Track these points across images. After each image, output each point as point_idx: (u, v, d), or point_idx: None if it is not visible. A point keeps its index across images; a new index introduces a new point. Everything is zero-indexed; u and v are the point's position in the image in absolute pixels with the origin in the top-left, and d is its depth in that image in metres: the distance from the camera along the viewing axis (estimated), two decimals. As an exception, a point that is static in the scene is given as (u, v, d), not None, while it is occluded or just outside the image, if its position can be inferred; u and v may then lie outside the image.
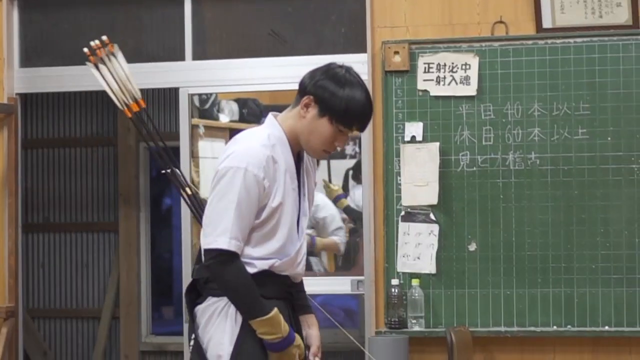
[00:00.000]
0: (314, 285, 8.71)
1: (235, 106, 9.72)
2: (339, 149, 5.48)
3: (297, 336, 5.35)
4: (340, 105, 5.23)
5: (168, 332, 10.47)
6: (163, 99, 9.94)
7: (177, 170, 7.62)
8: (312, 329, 5.60)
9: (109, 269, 10.52)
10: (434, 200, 8.46)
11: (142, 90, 9.51)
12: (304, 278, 5.74)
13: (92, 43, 7.86)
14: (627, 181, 8.27)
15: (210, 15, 9.26)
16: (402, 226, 8.51)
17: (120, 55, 7.93)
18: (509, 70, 8.45)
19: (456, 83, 8.49)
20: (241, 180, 5.17)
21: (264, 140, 5.28)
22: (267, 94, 9.81)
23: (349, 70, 5.35)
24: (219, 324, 5.32)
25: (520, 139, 8.41)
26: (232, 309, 5.28)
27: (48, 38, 9.51)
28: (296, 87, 8.43)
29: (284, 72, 8.95)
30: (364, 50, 8.71)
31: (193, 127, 9.16)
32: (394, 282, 8.41)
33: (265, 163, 5.22)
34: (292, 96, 8.23)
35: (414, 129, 8.53)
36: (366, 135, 8.69)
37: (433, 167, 8.46)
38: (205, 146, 9.38)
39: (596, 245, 8.27)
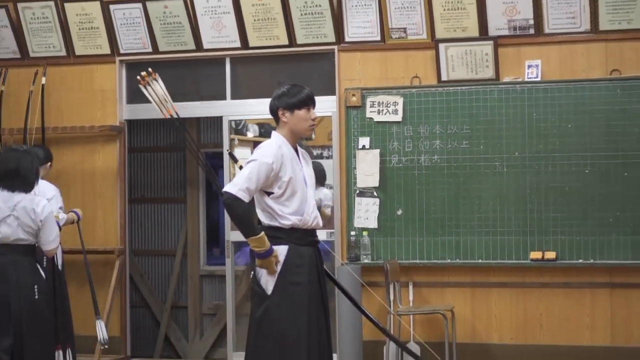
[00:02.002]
0: None
1: (256, 127, 9.80)
2: (314, 120, 5.46)
3: (275, 250, 5.19)
4: (294, 101, 5.37)
5: (216, 263, 10.21)
6: (214, 123, 9.92)
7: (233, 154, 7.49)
8: None
9: (180, 225, 10.39)
10: (376, 184, 8.64)
11: (200, 118, 9.90)
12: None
13: (142, 73, 8.05)
14: (492, 173, 8.44)
15: (241, 72, 9.30)
16: (357, 199, 8.69)
17: (159, 80, 7.79)
18: (421, 106, 8.60)
19: (389, 113, 8.66)
20: (255, 163, 5.20)
21: (273, 143, 5.33)
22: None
23: (284, 86, 5.47)
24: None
25: (428, 147, 8.58)
26: (280, 256, 5.26)
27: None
28: None
29: None
30: (334, 93, 8.86)
31: (231, 140, 9.26)
32: (352, 233, 8.68)
33: (275, 154, 5.24)
34: None
35: (364, 141, 8.71)
36: (335, 145, 8.85)
37: (375, 164, 8.63)
38: (238, 151, 9.38)
39: (473, 211, 8.47)
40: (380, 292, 8.42)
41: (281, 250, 5.25)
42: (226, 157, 9.16)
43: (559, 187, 8.35)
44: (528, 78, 8.48)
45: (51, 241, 6.56)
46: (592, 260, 8.23)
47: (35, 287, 6.46)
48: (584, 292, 8.36)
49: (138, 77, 7.55)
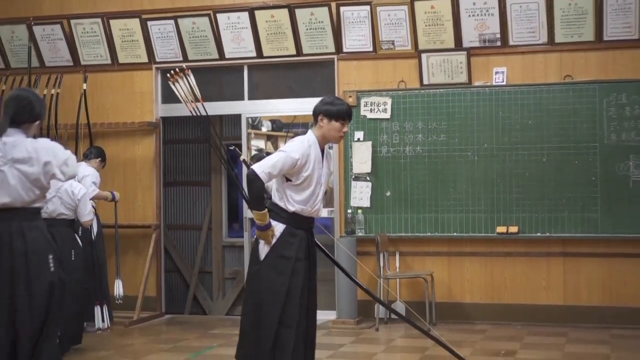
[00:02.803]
0: None
1: (269, 123, 9.85)
2: (344, 133, 5.29)
3: (273, 225, 5.12)
4: (334, 111, 5.19)
5: (236, 236, 10.11)
6: (234, 119, 9.82)
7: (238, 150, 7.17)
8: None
9: (206, 204, 10.32)
10: (368, 170, 8.69)
11: (222, 116, 9.90)
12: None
13: (172, 70, 7.78)
14: (465, 161, 8.49)
15: (256, 77, 9.30)
16: (353, 183, 8.73)
17: (191, 76, 7.50)
18: (406, 105, 8.64)
19: (380, 112, 8.70)
20: (283, 154, 5.11)
21: (305, 141, 5.20)
22: (285, 117, 9.87)
23: (331, 97, 5.30)
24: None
25: (412, 140, 8.62)
26: (277, 233, 5.17)
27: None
28: (300, 114, 9.03)
29: (294, 106, 9.17)
30: (334, 95, 8.50)
31: (248, 134, 9.34)
32: (349, 211, 8.75)
33: (303, 152, 5.14)
34: (298, 118, 8.87)
35: (359, 135, 8.76)
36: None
37: (368, 153, 8.69)
38: (254, 143, 9.54)
39: (449, 192, 8.53)
40: (372, 260, 8.54)
41: (279, 228, 5.18)
42: (245, 148, 9.22)
43: (520, 173, 8.43)
44: (495, 82, 8.54)
45: (86, 215, 7.15)
46: (548, 234, 8.32)
47: (73, 251, 7.09)
48: (541, 260, 8.47)
49: (168, 75, 7.36)
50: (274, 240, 5.17)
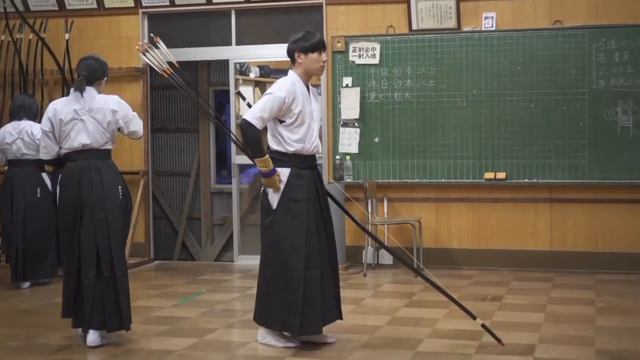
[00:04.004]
0: None
1: (257, 69, 9.83)
2: (324, 62, 5.37)
3: (278, 171, 5.22)
4: (308, 45, 5.30)
5: (224, 182, 10.28)
6: (222, 65, 9.80)
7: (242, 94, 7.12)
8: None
9: (194, 151, 10.46)
10: (357, 116, 8.71)
11: (210, 61, 9.95)
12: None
13: (140, 43, 7.01)
14: (454, 107, 8.52)
15: (244, 22, 9.25)
16: (342, 129, 8.76)
17: (162, 44, 6.60)
18: (395, 51, 8.63)
19: (368, 57, 8.70)
20: (270, 96, 5.19)
21: (287, 80, 5.29)
22: (273, 62, 9.92)
23: (300, 33, 5.35)
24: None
25: (400, 86, 8.63)
26: (283, 178, 5.24)
27: (160, 34, 9.70)
28: (287, 59, 9.04)
29: (282, 52, 8.91)
30: None
31: (236, 79, 9.32)
32: (337, 157, 8.80)
33: (288, 89, 5.22)
34: (285, 63, 8.84)
35: (347, 80, 8.76)
36: (324, 84, 8.85)
37: (356, 99, 8.69)
38: (242, 88, 9.49)
39: (437, 139, 8.57)
40: (360, 206, 8.54)
41: (284, 172, 5.27)
42: (232, 94, 9.24)
43: (509, 119, 8.46)
44: (485, 27, 8.53)
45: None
46: (535, 180, 8.38)
47: (38, 189, 7.79)
48: (528, 206, 8.54)
49: (137, 47, 7.21)
50: (282, 186, 5.25)
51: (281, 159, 5.30)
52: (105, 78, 5.80)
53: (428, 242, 8.64)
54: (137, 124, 5.74)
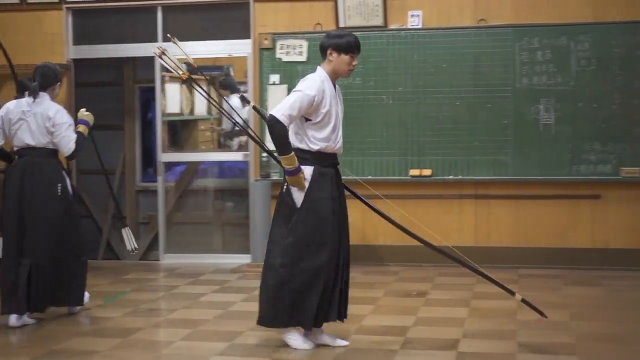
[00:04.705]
0: (227, 157, 9.32)
1: (184, 66, 9.46)
2: (354, 66, 5.32)
3: (302, 169, 5.17)
4: (344, 44, 5.22)
5: (150, 180, 10.09)
6: (148, 62, 9.21)
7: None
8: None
9: (119, 148, 10.24)
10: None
11: (136, 58, 9.71)
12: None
13: (157, 47, 6.83)
14: (380, 104, 8.51)
15: (171, 19, 9.23)
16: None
17: (179, 44, 6.62)
18: None
19: (296, 54, 8.71)
20: (300, 94, 5.13)
21: (317, 78, 5.24)
22: (201, 60, 9.28)
23: (338, 30, 5.30)
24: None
25: None
26: (307, 175, 5.20)
27: (85, 30, 9.41)
28: (219, 55, 8.87)
29: (210, 48, 9.08)
30: (249, 37, 8.90)
31: (162, 76, 9.21)
32: (264, 154, 8.68)
33: (318, 87, 5.17)
34: (217, 60, 8.79)
35: (274, 78, 8.77)
36: (251, 81, 8.85)
37: (283, 96, 7.99)
38: (168, 86, 9.34)
39: (364, 135, 8.55)
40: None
41: (308, 170, 5.21)
42: (158, 92, 9.20)
43: (434, 116, 8.55)
44: (411, 25, 8.58)
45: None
46: (460, 176, 8.49)
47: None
48: (453, 202, 8.64)
49: (153, 52, 6.85)
50: (307, 184, 5.21)
51: (304, 156, 5.25)
52: (59, 83, 6.49)
53: (354, 239, 8.00)
54: (66, 139, 6.25)
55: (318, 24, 8.82)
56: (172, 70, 6.00)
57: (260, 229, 8.51)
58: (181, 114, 9.58)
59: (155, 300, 7.26)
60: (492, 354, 5.30)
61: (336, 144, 5.33)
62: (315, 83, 5.23)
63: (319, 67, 5.36)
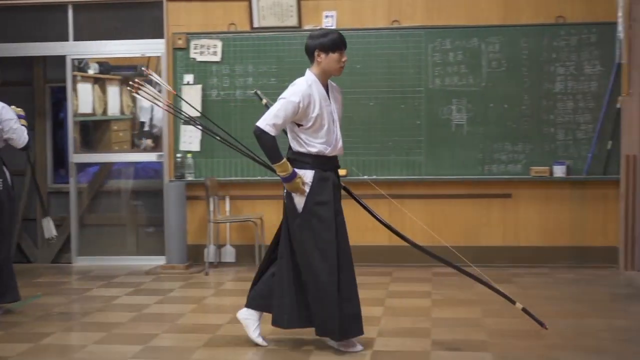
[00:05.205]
0: (141, 158, 9.17)
1: (97, 65, 9.39)
2: (344, 62, 5.24)
3: (299, 174, 5.13)
4: (330, 42, 5.15)
5: (62, 182, 9.86)
6: (58, 61, 9.23)
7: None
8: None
9: (33, 150, 9.57)
10: (198, 114, 8.10)
11: (47, 57, 9.58)
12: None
13: (130, 82, 6.40)
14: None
15: (82, 17, 9.12)
16: (182, 127, 8.69)
17: (154, 75, 6.40)
18: (237, 48, 8.64)
19: (210, 54, 8.69)
20: (283, 101, 5.11)
21: (304, 82, 5.19)
22: (113, 59, 9.44)
23: (321, 30, 5.34)
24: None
25: (242, 83, 8.65)
26: (307, 179, 5.17)
27: None
28: (127, 55, 8.82)
29: (122, 47, 9.04)
30: (163, 37, 8.84)
31: (73, 76, 9.13)
32: (178, 155, 8.73)
33: (303, 93, 5.11)
34: (127, 60, 8.71)
35: (188, 78, 8.74)
36: (165, 81, 8.53)
37: (198, 97, 8.64)
38: (80, 86, 9.20)
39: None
40: (202, 204, 8.60)
41: (308, 175, 5.17)
42: (69, 92, 9.09)
43: (348, 117, 8.30)
44: (325, 26, 8.55)
45: None
46: (374, 176, 8.53)
47: None
48: (367, 202, 8.37)
49: (128, 88, 6.78)
50: (307, 189, 5.16)
51: (304, 160, 5.22)
52: None
53: (270, 239, 8.35)
54: (19, 131, 6.73)
55: (232, 24, 8.81)
56: (154, 103, 5.83)
57: (174, 229, 8.50)
58: (94, 114, 9.43)
59: (68, 304, 7.13)
60: (406, 352, 5.35)
61: (335, 145, 5.30)
62: (301, 88, 5.18)
63: (307, 70, 5.31)
